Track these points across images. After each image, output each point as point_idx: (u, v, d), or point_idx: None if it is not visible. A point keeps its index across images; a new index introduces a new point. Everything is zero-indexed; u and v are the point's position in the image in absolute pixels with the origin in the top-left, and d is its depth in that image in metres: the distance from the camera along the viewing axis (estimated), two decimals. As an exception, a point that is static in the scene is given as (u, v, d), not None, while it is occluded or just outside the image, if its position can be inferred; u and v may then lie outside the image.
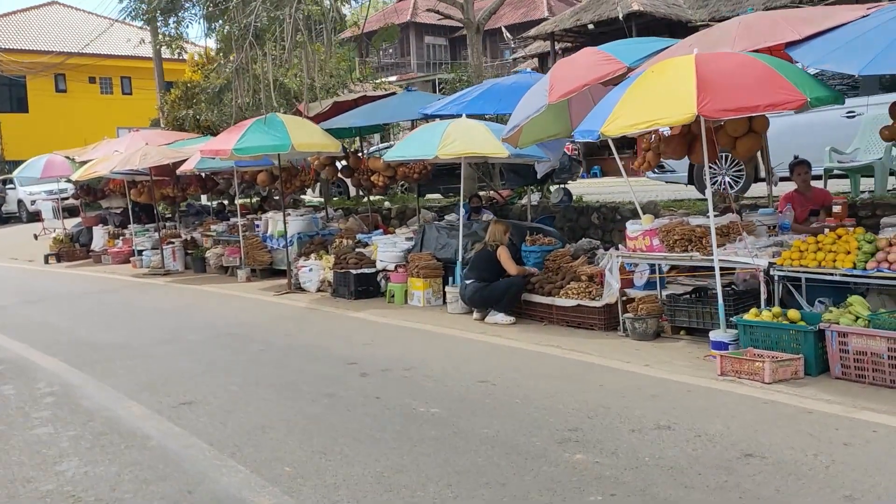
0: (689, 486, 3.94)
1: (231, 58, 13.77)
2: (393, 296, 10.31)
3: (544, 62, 33.40)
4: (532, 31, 34.72)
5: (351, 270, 10.81)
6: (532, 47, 35.94)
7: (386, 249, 10.83)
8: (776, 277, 6.29)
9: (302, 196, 18.64)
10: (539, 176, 10.51)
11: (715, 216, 6.92)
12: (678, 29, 29.04)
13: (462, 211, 9.81)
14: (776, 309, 6.05)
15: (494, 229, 8.78)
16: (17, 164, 38.11)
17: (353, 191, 19.71)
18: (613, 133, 6.18)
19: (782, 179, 8.53)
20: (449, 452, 4.67)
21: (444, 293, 9.75)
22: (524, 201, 12.63)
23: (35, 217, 30.59)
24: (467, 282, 8.71)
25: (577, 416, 5.20)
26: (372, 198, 14.98)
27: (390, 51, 44.95)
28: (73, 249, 19.22)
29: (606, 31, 29.32)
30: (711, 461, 4.24)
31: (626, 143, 24.83)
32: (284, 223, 12.48)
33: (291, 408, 5.77)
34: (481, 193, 12.57)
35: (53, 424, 5.60)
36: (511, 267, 8.53)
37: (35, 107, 39.66)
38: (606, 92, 7.73)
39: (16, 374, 7.46)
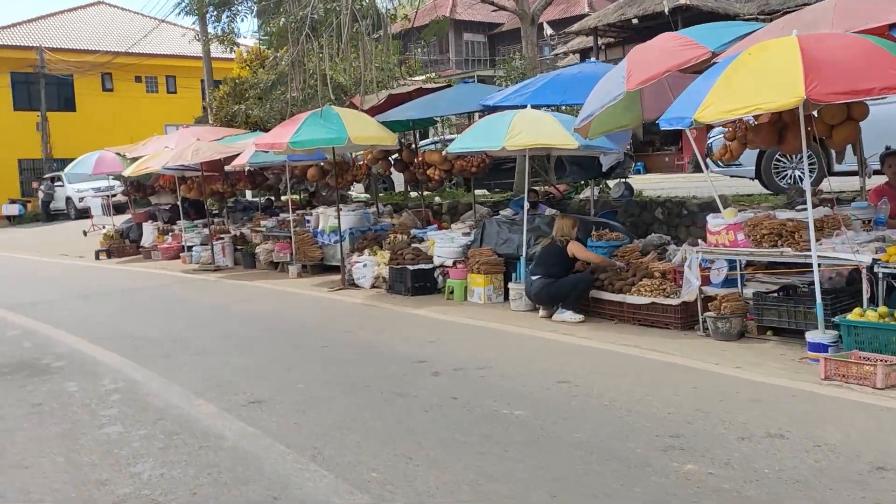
0: (823, 503, 3.59)
1: (284, 52, 13.61)
2: (452, 292, 10.03)
3: (586, 58, 32.90)
4: (575, 27, 34.22)
5: (408, 266, 10.55)
6: (573, 43, 35.39)
7: (443, 245, 10.55)
8: (880, 275, 5.87)
9: (349, 191, 18.44)
10: (604, 169, 10.14)
11: (802, 210, 6.52)
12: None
13: (525, 205, 9.47)
14: (883, 309, 5.63)
15: (562, 224, 8.45)
16: (64, 161, 38.63)
17: (398, 186, 19.56)
18: (709, 119, 5.81)
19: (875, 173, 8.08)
20: (542, 458, 4.36)
21: (506, 290, 9.46)
22: (584, 195, 12.27)
23: (84, 214, 30.96)
24: (533, 278, 8.39)
25: (674, 421, 4.86)
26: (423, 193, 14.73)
27: (427, 48, 44.75)
28: (123, 245, 19.26)
29: (651, 25, 28.72)
30: (839, 474, 3.88)
31: (672, 139, 24.23)
32: (338, 218, 12.25)
33: (365, 408, 5.50)
34: (537, 188, 12.22)
35: (122, 423, 5.40)
36: (591, 256, 8.21)
37: (82, 105, 40.16)
38: (683, 79, 7.38)
39: (78, 369, 7.32)
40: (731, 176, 11.49)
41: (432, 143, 17.68)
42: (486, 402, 5.48)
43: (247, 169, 16.43)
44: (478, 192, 15.85)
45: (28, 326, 9.89)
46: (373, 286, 11.49)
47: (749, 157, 10.09)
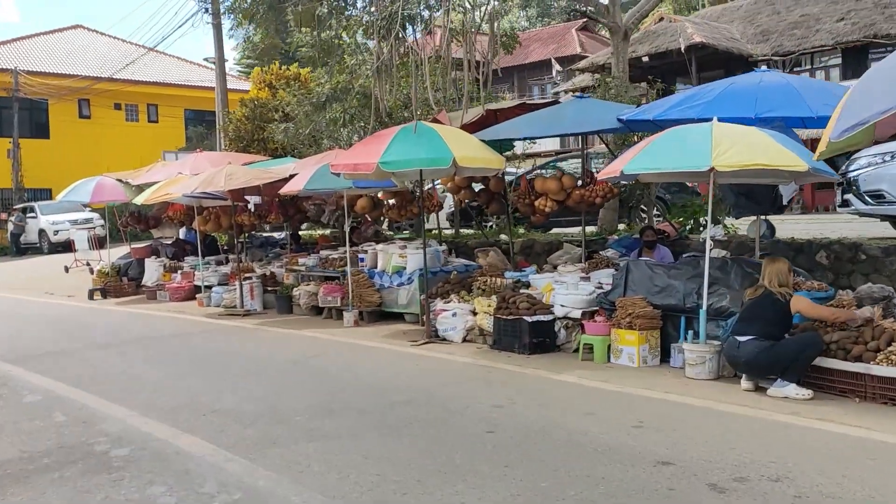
0: None
1: (339, 67, 11.75)
2: (589, 351, 8.09)
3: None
4: (582, 64, 33.08)
5: (524, 318, 8.58)
6: (577, 80, 34.22)
7: (567, 292, 8.62)
8: None
9: (383, 228, 16.42)
10: (785, 201, 8.35)
11: None
12: (738, 63, 27.41)
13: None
14: None
15: (775, 269, 6.58)
16: (36, 192, 36.06)
17: (441, 220, 17.48)
18: None
19: None
20: None
21: (664, 350, 7.58)
22: (746, 233, 10.43)
23: (57, 248, 28.39)
24: (741, 339, 6.48)
25: None
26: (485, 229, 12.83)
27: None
28: (120, 284, 16.98)
29: (658, 64, 27.63)
30: None
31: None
32: (428, 252, 10.14)
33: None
34: (653, 225, 10.38)
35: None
36: (826, 312, 6.41)
37: (57, 132, 37.73)
38: None
39: (156, 463, 5.21)
40: (882, 215, 9.80)
41: (538, 169, 15.48)
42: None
43: (277, 199, 14.46)
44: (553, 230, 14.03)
45: (50, 389, 7.70)
46: (465, 339, 9.51)
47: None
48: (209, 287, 14.68)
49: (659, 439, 5.35)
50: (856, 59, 26.58)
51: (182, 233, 18.51)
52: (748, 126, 6.76)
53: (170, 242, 18.32)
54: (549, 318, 8.68)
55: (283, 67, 19.60)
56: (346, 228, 11.51)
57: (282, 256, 15.44)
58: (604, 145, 12.35)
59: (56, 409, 6.87)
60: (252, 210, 14.51)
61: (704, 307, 7.13)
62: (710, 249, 7.38)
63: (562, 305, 8.61)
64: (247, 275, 13.90)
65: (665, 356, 7.75)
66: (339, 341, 10.08)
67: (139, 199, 14.75)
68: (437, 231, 16.33)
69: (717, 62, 27.65)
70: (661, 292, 7.82)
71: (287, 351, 9.51)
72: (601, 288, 8.81)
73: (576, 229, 13.82)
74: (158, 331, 11.69)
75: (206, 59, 27.55)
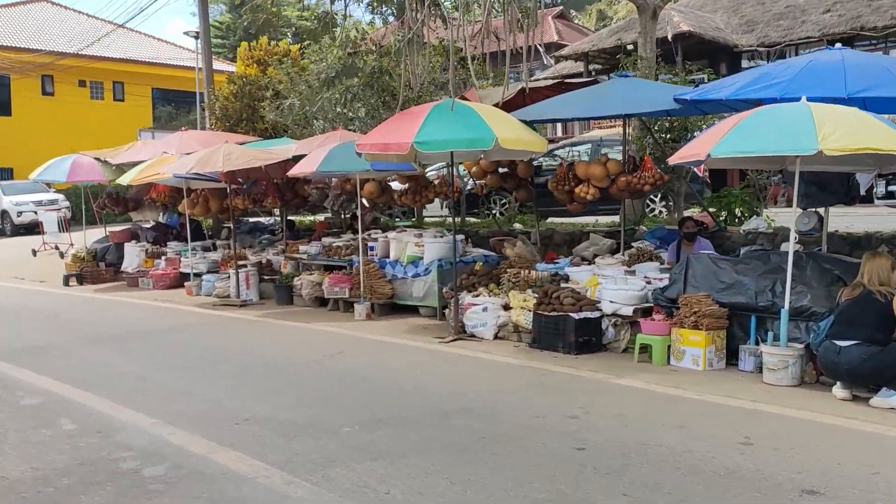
0: None
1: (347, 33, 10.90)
2: (644, 351, 7.43)
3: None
4: (566, 50, 32.43)
5: (571, 315, 7.89)
6: (558, 67, 33.63)
7: (616, 287, 7.95)
8: None
9: (379, 216, 15.58)
10: (862, 190, 7.72)
11: None
12: (723, 54, 27.06)
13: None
14: None
15: (875, 266, 5.97)
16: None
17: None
18: None
19: None
20: None
21: (731, 352, 6.96)
22: (751, 226, 9.85)
23: (20, 230, 26.98)
24: (842, 343, 5.85)
25: None
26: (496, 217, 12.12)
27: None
28: (97, 270, 15.93)
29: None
30: None
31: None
32: (448, 242, 9.43)
33: None
34: (692, 216, 9.73)
35: None
36: None
37: (19, 110, 36.08)
38: None
39: (205, 488, 4.41)
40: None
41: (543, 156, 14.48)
42: None
43: (275, 182, 13.56)
44: (557, 219, 13.35)
45: (50, 391, 6.82)
46: (496, 336, 8.80)
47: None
48: (198, 275, 13.76)
49: (781, 460, 4.69)
50: (842, 50, 26.32)
51: (163, 216, 17.49)
52: (844, 106, 6.11)
53: (150, 226, 17.28)
54: (596, 314, 8.00)
55: (273, 43, 18.59)
56: (359, 213, 10.67)
57: (276, 243, 14.56)
58: (618, 130, 11.67)
59: (62, 416, 6.01)
60: (248, 193, 13.58)
61: (787, 307, 6.49)
62: (791, 242, 6.72)
63: (611, 301, 7.92)
64: (240, 262, 13.01)
65: (730, 358, 7.12)
66: (355, 337, 9.30)
67: (125, 179, 13.73)
68: (439, 219, 15.60)
69: (702, 52, 27.23)
70: (728, 289, 7.16)
71: (302, 348, 8.71)
72: (649, 283, 8.15)
73: (589, 219, 13.19)
74: (153, 323, 10.77)
75: (186, 34, 26.29)
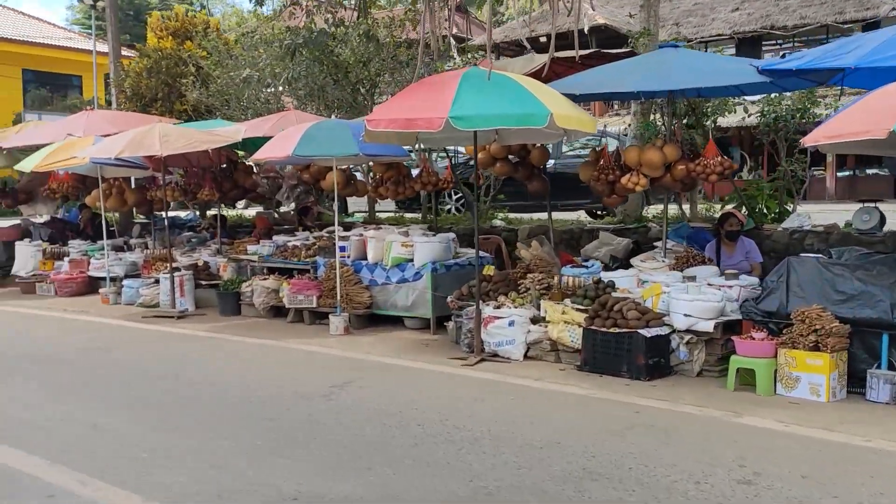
0: None
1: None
2: (738, 376, 6.05)
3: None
4: (477, 40, 31.29)
5: (640, 331, 6.43)
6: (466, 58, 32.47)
7: (694, 298, 6.54)
8: None
9: (323, 210, 13.65)
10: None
11: None
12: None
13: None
14: None
15: None
16: None
17: (350, 205, 14.76)
18: None
19: None
20: None
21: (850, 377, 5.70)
22: (793, 223, 8.69)
23: None
24: None
25: None
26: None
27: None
28: (-21, 273, 13.34)
29: (559, 45, 26.40)
30: None
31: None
32: (440, 241, 7.84)
33: None
34: (731, 212, 8.43)
35: None
36: None
37: None
38: None
39: None
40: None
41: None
42: None
43: (211, 170, 11.51)
44: (539, 215, 11.88)
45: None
46: (526, 356, 7.26)
47: None
48: (114, 279, 11.52)
49: None
50: (750, 49, 26.26)
51: (61, 211, 14.94)
52: None
53: (44, 222, 14.71)
54: (666, 331, 6.58)
55: (189, 13, 16.26)
56: (335, 207, 8.86)
57: (207, 242, 12.44)
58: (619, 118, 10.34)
59: (6, 497, 4.04)
60: (177, 183, 11.44)
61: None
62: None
63: (685, 315, 6.51)
64: (165, 265, 10.88)
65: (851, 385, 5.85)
66: (350, 359, 7.53)
67: (27, 166, 11.25)
68: (392, 215, 13.87)
69: (617, 44, 26.66)
70: (850, 301, 5.88)
71: (291, 377, 6.86)
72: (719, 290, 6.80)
73: (540, 214, 11.77)
74: (72, 342, 8.58)
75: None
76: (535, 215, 11.88)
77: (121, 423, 5.49)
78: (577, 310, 7.08)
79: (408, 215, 13.40)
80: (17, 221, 14.83)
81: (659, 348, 6.51)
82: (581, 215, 13.06)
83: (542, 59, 7.92)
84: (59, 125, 13.11)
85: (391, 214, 13.82)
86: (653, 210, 11.10)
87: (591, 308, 6.84)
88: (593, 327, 6.71)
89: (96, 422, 5.50)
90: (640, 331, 6.44)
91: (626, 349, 6.48)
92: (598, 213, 13.40)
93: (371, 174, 13.15)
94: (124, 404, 6.00)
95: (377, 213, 13.65)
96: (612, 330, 6.59)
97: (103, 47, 32.35)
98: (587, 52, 8.38)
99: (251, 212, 15.92)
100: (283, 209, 14.21)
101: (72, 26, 47.54)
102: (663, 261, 7.71)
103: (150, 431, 5.27)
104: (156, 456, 4.74)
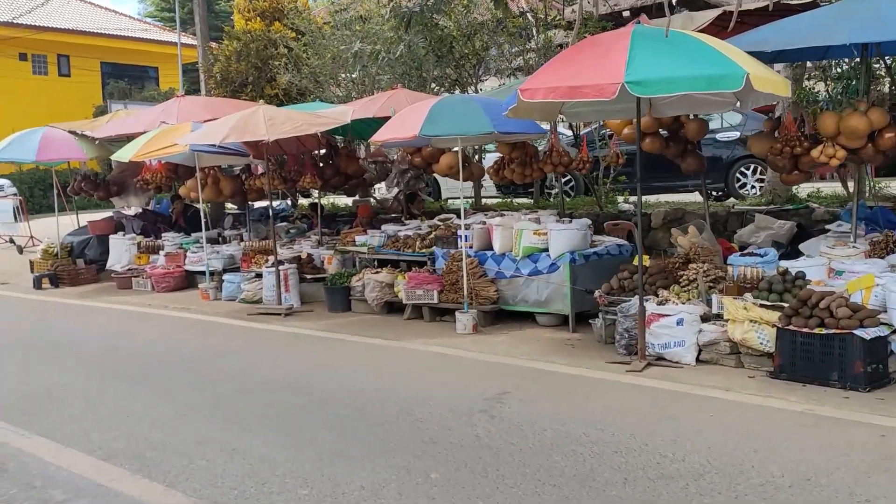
0: None
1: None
2: None
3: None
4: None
5: (856, 332, 5.39)
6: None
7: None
8: None
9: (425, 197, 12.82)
10: None
11: None
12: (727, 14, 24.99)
13: None
14: None
15: None
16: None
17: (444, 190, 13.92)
18: None
19: None
20: None
21: None
22: None
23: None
24: None
25: None
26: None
27: None
28: (75, 268, 12.93)
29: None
30: None
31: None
32: (577, 229, 6.90)
33: None
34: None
35: None
36: None
37: (-50, 85, 32.08)
38: None
39: None
40: None
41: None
42: None
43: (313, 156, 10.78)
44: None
45: (102, 486, 4.04)
46: (698, 359, 6.29)
47: None
48: (213, 274, 10.92)
49: None
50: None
51: (152, 202, 14.49)
52: None
53: (135, 215, 14.26)
54: (885, 332, 5.53)
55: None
56: (461, 195, 8.01)
57: (308, 234, 11.75)
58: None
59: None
60: (276, 171, 10.74)
61: None
62: None
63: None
64: (267, 258, 10.20)
65: None
66: (492, 363, 6.69)
67: (125, 156, 10.67)
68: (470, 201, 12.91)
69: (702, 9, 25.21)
70: None
71: (437, 387, 6.03)
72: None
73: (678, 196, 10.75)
74: (181, 343, 7.95)
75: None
76: (660, 197, 10.87)
77: (262, 446, 4.74)
78: (763, 306, 6.07)
79: (517, 200, 12.49)
80: (109, 214, 14.43)
81: (877, 353, 5.47)
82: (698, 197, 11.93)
83: (705, 15, 6.85)
84: (151, 113, 12.58)
85: (499, 200, 12.91)
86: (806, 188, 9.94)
87: (789, 305, 5.82)
88: (791, 327, 5.70)
89: (235, 446, 4.76)
90: (855, 332, 5.41)
91: (836, 354, 5.46)
92: (714, 193, 12.16)
93: (477, 157, 12.30)
94: (263, 423, 5.25)
95: (482, 199, 12.76)
96: (816, 331, 5.58)
97: (177, 38, 32.30)
98: (760, 4, 7.24)
99: (343, 200, 15.24)
100: (380, 196, 13.47)
101: (145, 18, 47.81)
102: (855, 247, 6.63)
103: (300, 459, 4.50)
104: (322, 495, 3.95)
